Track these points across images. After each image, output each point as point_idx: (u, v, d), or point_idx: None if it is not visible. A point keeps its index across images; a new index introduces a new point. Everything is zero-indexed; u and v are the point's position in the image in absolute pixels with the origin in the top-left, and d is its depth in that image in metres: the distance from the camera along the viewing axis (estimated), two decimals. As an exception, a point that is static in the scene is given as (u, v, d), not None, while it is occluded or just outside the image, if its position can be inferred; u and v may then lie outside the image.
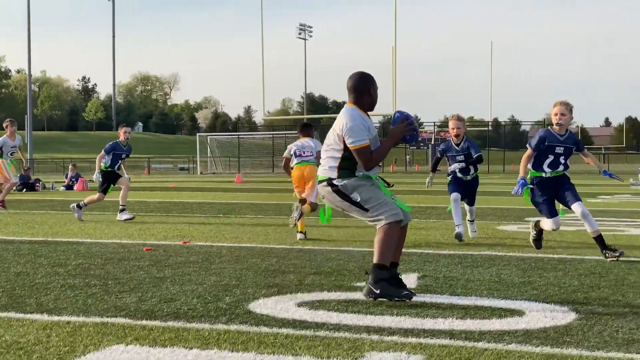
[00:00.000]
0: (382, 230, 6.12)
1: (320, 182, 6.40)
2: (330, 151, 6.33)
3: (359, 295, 6.23)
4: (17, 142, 17.13)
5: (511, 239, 10.55)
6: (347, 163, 6.25)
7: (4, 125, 17.14)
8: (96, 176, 14.58)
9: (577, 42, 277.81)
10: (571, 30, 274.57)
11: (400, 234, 6.33)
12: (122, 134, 14.75)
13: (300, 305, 5.87)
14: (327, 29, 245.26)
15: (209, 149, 66.44)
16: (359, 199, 6.20)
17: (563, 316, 5.46)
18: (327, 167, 6.33)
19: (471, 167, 10.53)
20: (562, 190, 8.72)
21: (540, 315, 5.48)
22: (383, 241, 6.09)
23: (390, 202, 6.23)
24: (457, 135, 10.41)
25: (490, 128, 75.55)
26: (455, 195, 10.38)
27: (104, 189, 14.50)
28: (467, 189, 10.60)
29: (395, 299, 5.97)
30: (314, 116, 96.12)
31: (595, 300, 6.08)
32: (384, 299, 5.97)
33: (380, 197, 6.22)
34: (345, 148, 6.21)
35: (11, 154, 17.19)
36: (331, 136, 6.32)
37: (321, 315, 5.49)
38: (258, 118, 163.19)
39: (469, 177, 10.58)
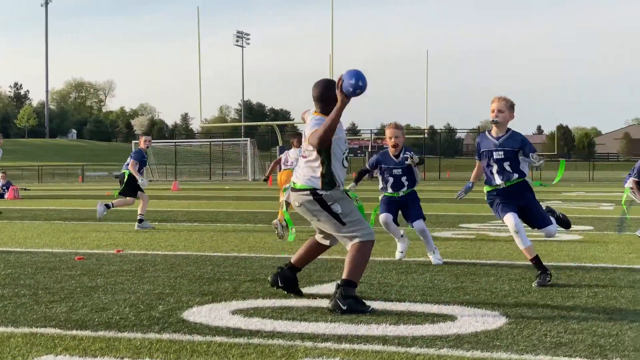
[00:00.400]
0: (355, 248, 6.14)
1: (300, 190, 6.30)
2: (308, 161, 6.30)
3: (294, 302, 6.24)
4: None
5: (446, 245, 10.67)
6: (328, 174, 6.23)
7: None
8: (142, 181, 14.44)
9: (511, 50, 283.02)
10: (505, 38, 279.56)
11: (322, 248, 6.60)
12: (142, 142, 14.95)
13: (234, 313, 5.85)
14: (265, 36, 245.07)
15: (144, 157, 65.75)
16: (339, 211, 6.21)
17: (494, 320, 5.55)
18: (309, 177, 6.27)
19: (405, 182, 9.05)
20: (525, 211, 7.49)
21: (472, 320, 5.56)
22: (356, 259, 6.11)
23: (365, 220, 6.32)
24: (395, 145, 8.90)
25: (426, 136, 76.32)
26: (385, 216, 8.96)
27: (132, 193, 14.49)
28: (402, 207, 9.08)
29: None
30: (252, 124, 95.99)
31: (525, 304, 6.19)
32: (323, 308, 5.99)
33: (357, 214, 6.30)
34: (322, 159, 6.22)
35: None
36: (304, 146, 6.35)
37: (255, 323, 5.48)
38: (195, 125, 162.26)
39: (401, 194, 9.07)
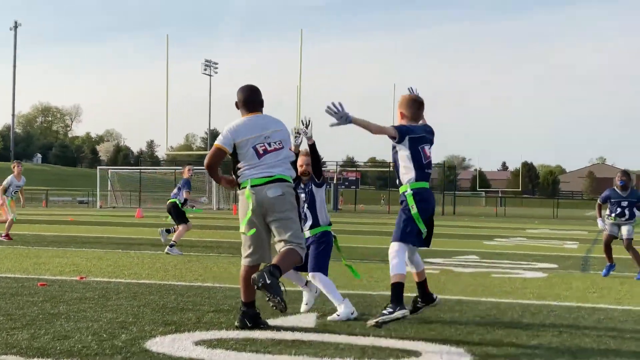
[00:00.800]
0: (295, 252, 6.34)
1: (286, 180, 6.49)
2: (282, 152, 6.62)
3: (257, 334, 6.20)
4: (21, 182, 18.51)
5: (409, 280, 10.65)
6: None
7: (12, 166, 18.80)
8: (203, 199, 16.95)
9: (477, 87, 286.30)
10: (471, 76, 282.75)
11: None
12: (187, 172, 16.53)
13: (197, 343, 5.79)
14: (233, 65, 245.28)
15: (109, 183, 65.26)
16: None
17: (458, 357, 5.55)
18: (288, 167, 6.63)
19: (308, 215, 7.44)
20: None
21: (436, 356, 5.55)
22: (292, 261, 6.35)
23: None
24: (304, 173, 7.45)
25: (391, 169, 76.72)
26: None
27: (185, 219, 15.89)
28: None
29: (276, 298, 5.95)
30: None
31: (489, 342, 6.20)
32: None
33: None
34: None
35: (14, 192, 18.43)
36: (280, 134, 6.67)
37: (219, 354, 5.43)
38: (161, 153, 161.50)
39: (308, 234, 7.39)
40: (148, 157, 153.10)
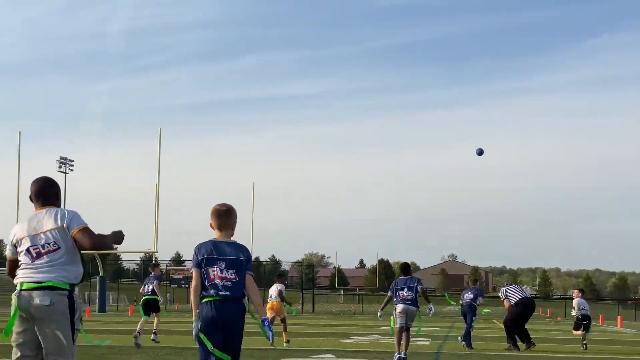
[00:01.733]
0: None
1: (56, 289, 5.78)
2: (58, 252, 5.89)
3: None
4: None
5: None
6: (83, 264, 6.00)
7: None
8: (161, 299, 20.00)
9: (335, 186, 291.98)
10: (327, 174, 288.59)
11: None
12: (157, 270, 20.93)
13: None
14: (90, 163, 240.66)
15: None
16: (77, 327, 5.88)
17: None
18: (67, 269, 5.89)
19: None
20: None
21: None
22: None
23: None
24: None
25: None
26: None
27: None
28: None
29: None
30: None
31: None
32: None
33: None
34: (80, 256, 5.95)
35: None
36: (52, 237, 5.91)
37: None
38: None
39: None
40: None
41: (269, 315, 16.05)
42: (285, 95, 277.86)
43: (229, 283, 6.66)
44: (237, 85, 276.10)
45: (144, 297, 19.28)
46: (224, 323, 6.58)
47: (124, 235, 6.17)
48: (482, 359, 15.13)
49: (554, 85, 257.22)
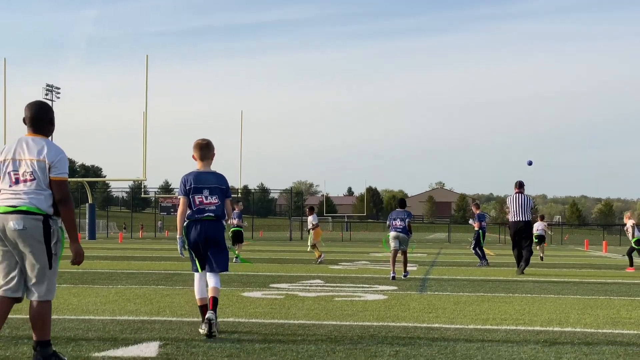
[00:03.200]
0: (46, 306, 5.91)
1: (30, 213, 5.85)
2: (34, 183, 5.93)
3: (96, 366, 6.07)
4: None
5: (255, 305, 10.72)
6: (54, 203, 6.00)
7: None
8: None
9: (324, 115, 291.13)
10: (317, 103, 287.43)
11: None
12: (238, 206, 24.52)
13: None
14: (76, 90, 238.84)
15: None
16: (55, 252, 5.96)
17: (298, 380, 5.64)
18: (41, 199, 5.91)
19: None
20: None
21: (277, 381, 5.62)
22: (48, 317, 5.94)
23: None
24: None
25: (240, 195, 76.73)
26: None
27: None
28: None
29: None
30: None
31: (329, 364, 6.33)
32: None
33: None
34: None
35: None
36: (30, 166, 5.94)
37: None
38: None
39: None
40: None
41: (317, 240, 24.29)
42: (273, 21, 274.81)
43: (213, 207, 8.12)
44: (226, 11, 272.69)
45: (231, 229, 24.21)
46: (211, 238, 8.05)
47: (82, 256, 6.17)
48: (468, 283, 15.38)
49: (541, 10, 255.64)
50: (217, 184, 8.18)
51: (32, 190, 5.90)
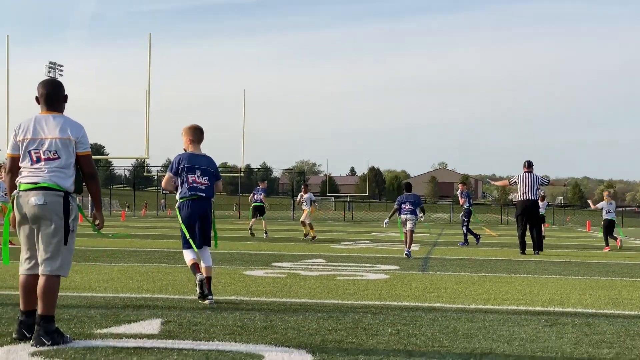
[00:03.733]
0: (56, 281, 5.98)
1: (52, 189, 5.98)
2: (56, 161, 6.04)
3: (99, 342, 6.08)
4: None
5: (257, 283, 10.74)
6: (78, 177, 6.20)
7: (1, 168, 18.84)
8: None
9: (327, 95, 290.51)
10: (321, 83, 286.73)
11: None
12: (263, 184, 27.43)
13: (34, 355, 5.62)
14: (79, 68, 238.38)
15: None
16: (73, 229, 6.11)
17: (300, 358, 5.66)
18: (62, 176, 6.05)
19: None
20: None
21: (278, 358, 5.64)
22: (55, 293, 6.01)
23: None
24: None
25: (242, 174, 76.66)
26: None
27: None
28: None
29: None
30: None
31: (331, 342, 6.34)
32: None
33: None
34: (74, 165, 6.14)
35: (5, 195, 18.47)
36: (54, 145, 6.04)
37: (57, 365, 5.29)
38: (2, 158, 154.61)
39: None
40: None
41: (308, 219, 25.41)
42: (276, 0, 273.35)
43: (203, 187, 8.85)
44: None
45: (253, 204, 27.01)
46: (201, 215, 8.79)
47: (103, 223, 6.74)
48: (470, 263, 15.40)
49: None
50: (207, 166, 8.94)
51: (54, 168, 6.03)
